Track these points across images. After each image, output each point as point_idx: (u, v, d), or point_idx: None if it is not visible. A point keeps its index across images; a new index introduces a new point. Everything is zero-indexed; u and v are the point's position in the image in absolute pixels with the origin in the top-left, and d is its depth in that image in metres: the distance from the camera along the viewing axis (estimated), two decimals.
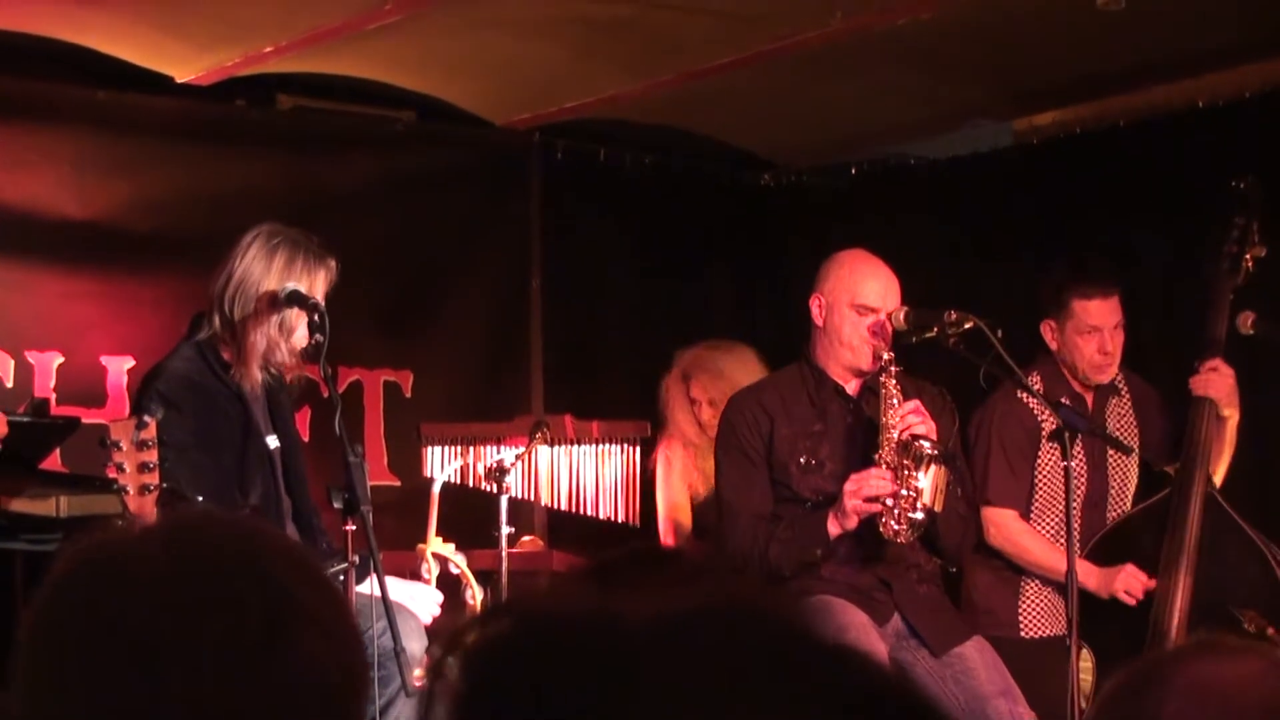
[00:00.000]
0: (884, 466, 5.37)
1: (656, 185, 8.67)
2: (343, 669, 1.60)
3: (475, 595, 5.93)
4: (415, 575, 5.79)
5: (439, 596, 5.48)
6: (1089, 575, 5.93)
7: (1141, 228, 7.63)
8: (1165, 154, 7.56)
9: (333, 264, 5.26)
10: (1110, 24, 6.78)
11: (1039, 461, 6.20)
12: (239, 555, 1.61)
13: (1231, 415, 6.11)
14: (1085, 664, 5.78)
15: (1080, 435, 5.62)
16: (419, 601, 5.34)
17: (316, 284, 5.18)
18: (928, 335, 5.71)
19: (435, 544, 6.00)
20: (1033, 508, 6.19)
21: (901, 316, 5.69)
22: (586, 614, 1.00)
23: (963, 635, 5.54)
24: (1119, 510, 6.26)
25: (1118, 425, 6.30)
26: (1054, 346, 6.22)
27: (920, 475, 5.33)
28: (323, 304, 5.13)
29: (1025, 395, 6.19)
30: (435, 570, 5.81)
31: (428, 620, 5.33)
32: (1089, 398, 6.25)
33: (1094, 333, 6.16)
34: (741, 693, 0.94)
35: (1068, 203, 7.93)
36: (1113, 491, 6.23)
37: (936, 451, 5.34)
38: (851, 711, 0.97)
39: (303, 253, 5.19)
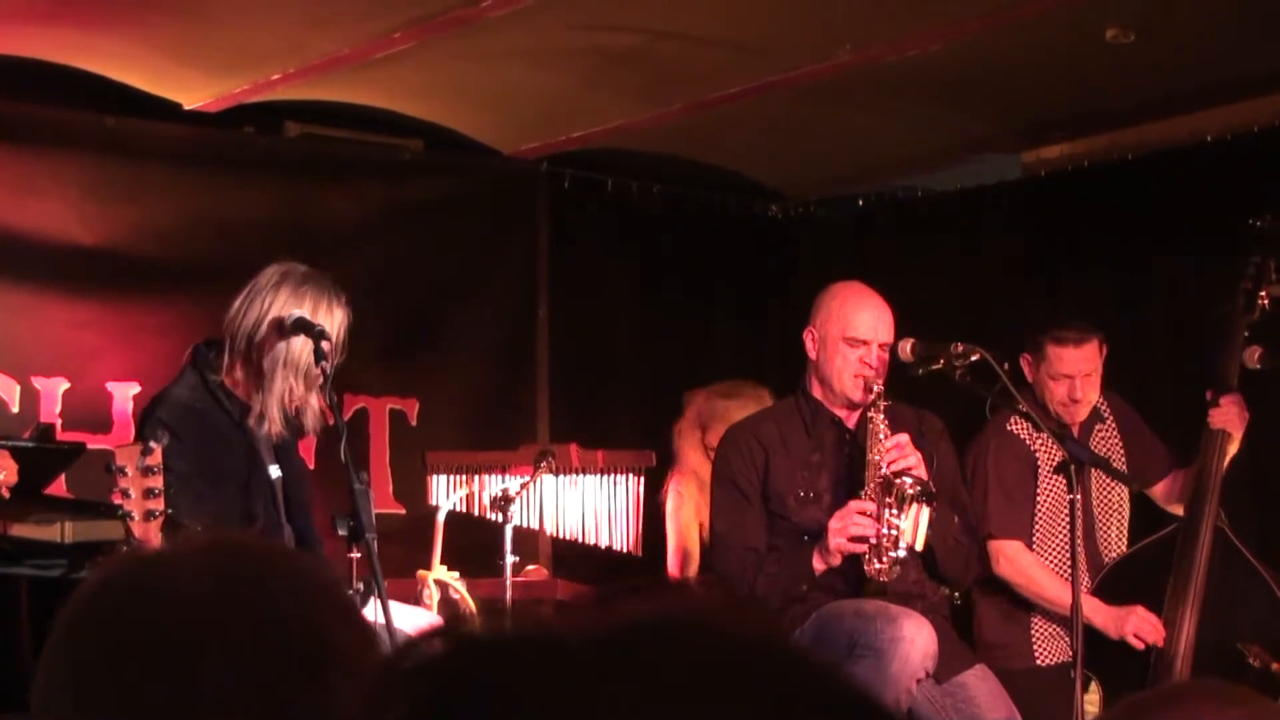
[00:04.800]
0: (868, 502, 5.37)
1: (664, 215, 8.67)
2: None
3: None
4: (417, 601, 5.77)
5: (439, 621, 5.47)
6: (1097, 612, 5.93)
7: (1149, 260, 7.63)
8: (1173, 187, 7.56)
9: (344, 297, 5.26)
10: (1119, 57, 6.79)
11: (1038, 492, 6.21)
12: (284, 590, 1.58)
13: (1233, 449, 6.15)
14: (1094, 695, 5.79)
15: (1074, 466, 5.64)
16: (418, 626, 5.31)
17: (335, 326, 5.18)
18: (934, 367, 5.70)
19: (438, 571, 5.98)
20: (1034, 540, 6.20)
21: (908, 348, 5.69)
22: (523, 634, 0.99)
23: (965, 664, 5.53)
24: (1110, 539, 6.29)
25: (1104, 450, 6.30)
26: (1030, 379, 6.24)
27: (901, 515, 5.33)
28: (329, 331, 5.11)
29: (1016, 427, 6.23)
30: (436, 596, 5.79)
31: None
32: (1075, 426, 6.26)
33: (1064, 379, 6.20)
34: (679, 701, 0.93)
35: (1076, 235, 7.93)
36: (1100, 521, 6.26)
37: (918, 489, 5.33)
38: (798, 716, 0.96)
39: (327, 296, 5.18)
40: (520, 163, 8.30)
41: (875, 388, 5.50)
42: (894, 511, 5.33)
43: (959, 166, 8.47)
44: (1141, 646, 5.96)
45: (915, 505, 5.32)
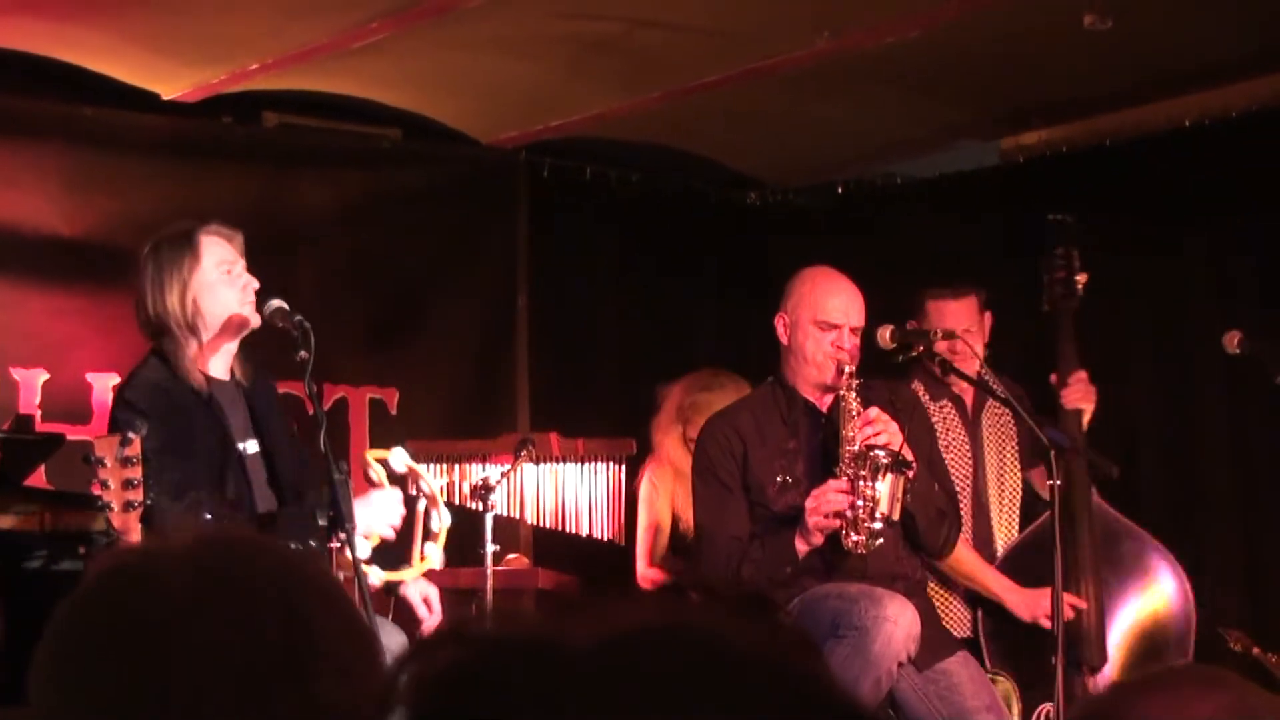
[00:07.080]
0: (843, 479, 5.39)
1: (643, 203, 8.68)
2: (357, 711, 1.56)
3: (426, 486, 5.71)
4: (366, 483, 5.63)
5: (397, 494, 5.39)
6: (1010, 593, 5.96)
7: (1126, 246, 7.64)
8: (1151, 172, 7.57)
9: (214, 226, 5.25)
10: (1097, 44, 6.80)
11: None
12: (268, 584, 1.59)
13: (1087, 415, 6.24)
14: (1005, 686, 5.80)
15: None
16: (381, 509, 5.25)
17: (214, 250, 5.16)
18: (913, 354, 5.74)
19: (375, 452, 5.80)
20: None
21: (887, 335, 5.73)
22: (529, 639, 0.99)
23: (948, 650, 5.54)
24: (1003, 514, 6.31)
25: (995, 424, 6.38)
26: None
27: (876, 485, 5.34)
28: (225, 256, 5.11)
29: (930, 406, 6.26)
30: (381, 473, 5.63)
31: (396, 522, 5.27)
32: (968, 398, 6.30)
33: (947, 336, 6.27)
34: (678, 711, 0.94)
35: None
36: (992, 494, 6.28)
37: (891, 460, 5.34)
38: None
39: (188, 238, 5.17)
40: (499, 151, 8.30)
41: (847, 369, 5.51)
42: (868, 483, 5.35)
43: (938, 153, 8.47)
44: (1050, 626, 5.99)
45: (889, 475, 5.34)
